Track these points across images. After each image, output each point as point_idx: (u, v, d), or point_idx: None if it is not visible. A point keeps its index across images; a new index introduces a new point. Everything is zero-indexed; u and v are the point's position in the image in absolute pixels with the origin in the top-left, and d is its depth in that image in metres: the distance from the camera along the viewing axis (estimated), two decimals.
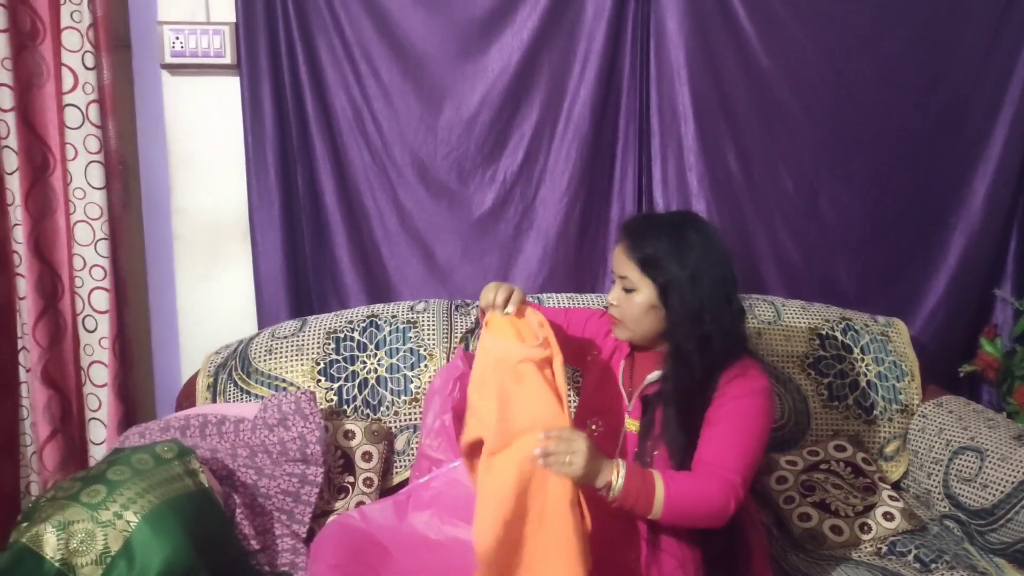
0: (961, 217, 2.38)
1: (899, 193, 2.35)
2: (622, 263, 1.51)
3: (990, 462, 1.83)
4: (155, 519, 1.46)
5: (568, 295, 2.18)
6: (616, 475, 1.32)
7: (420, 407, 2.00)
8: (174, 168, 2.25)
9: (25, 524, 1.45)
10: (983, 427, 1.93)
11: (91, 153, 2.08)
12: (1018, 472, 1.76)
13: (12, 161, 2.04)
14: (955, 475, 1.91)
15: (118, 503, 1.47)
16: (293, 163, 2.23)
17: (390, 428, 2.00)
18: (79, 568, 1.39)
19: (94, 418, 2.16)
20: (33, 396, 2.10)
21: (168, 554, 1.42)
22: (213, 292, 2.30)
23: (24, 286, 2.08)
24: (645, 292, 1.48)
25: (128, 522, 1.45)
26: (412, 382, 2.02)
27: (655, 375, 1.54)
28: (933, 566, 1.73)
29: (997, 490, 1.78)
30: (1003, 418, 2.01)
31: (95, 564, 1.40)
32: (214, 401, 1.99)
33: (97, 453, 2.16)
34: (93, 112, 2.07)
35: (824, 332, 2.13)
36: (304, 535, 1.76)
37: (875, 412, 2.08)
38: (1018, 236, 2.44)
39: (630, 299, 1.50)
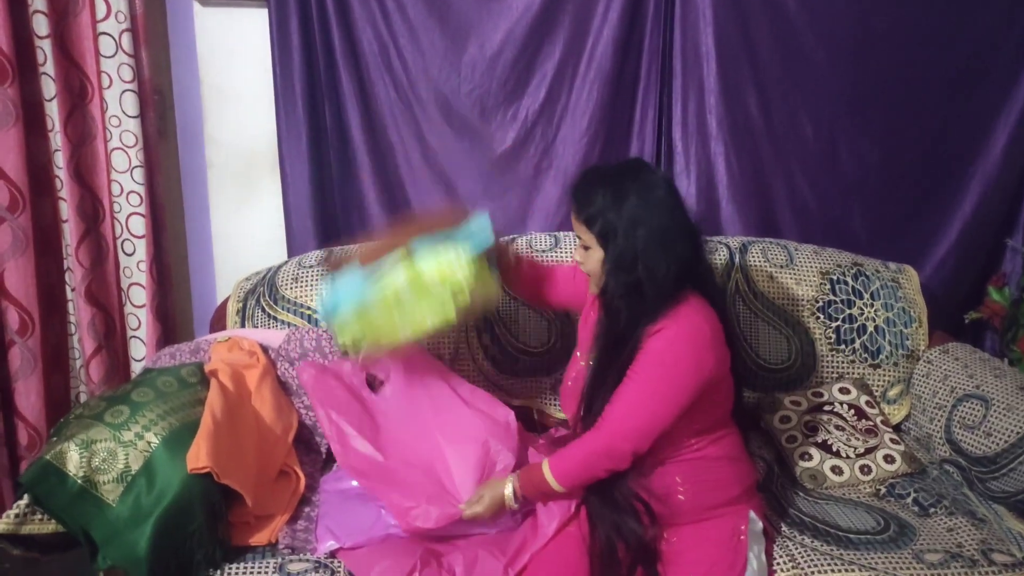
0: (979, 166, 2.15)
1: (918, 141, 2.12)
2: (575, 224, 1.41)
3: (995, 411, 1.67)
4: (174, 441, 1.36)
5: None
6: (509, 496, 1.39)
7: (436, 337, 1.87)
8: (207, 98, 2.09)
9: (55, 438, 1.37)
10: (989, 376, 1.76)
11: (125, 82, 1.92)
12: (1023, 423, 1.60)
13: (51, 88, 1.89)
14: (958, 421, 1.75)
15: (140, 424, 1.37)
16: (321, 97, 2.05)
17: None
18: (100, 485, 1.31)
19: (134, 336, 2.07)
20: (78, 313, 2.01)
21: (186, 476, 1.32)
22: (246, 220, 2.17)
23: (66, 209, 1.96)
24: (596, 248, 1.37)
25: (149, 443, 1.35)
26: None
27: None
28: (932, 510, 1.59)
29: (1001, 439, 1.62)
30: (1009, 367, 1.84)
31: (116, 482, 1.31)
32: (243, 326, 1.88)
33: (138, 368, 2.08)
34: (126, 41, 1.90)
35: (835, 277, 1.94)
36: (320, 464, 1.66)
37: (881, 356, 1.91)
38: None
39: (589, 256, 1.39)
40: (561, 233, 2.00)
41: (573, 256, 1.46)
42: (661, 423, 1.31)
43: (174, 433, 1.38)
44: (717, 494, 1.41)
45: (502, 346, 1.88)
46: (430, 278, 1.37)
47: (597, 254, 1.37)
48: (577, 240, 1.42)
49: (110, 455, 1.32)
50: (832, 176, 2.12)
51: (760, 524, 1.42)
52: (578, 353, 1.57)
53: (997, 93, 2.10)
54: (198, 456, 1.33)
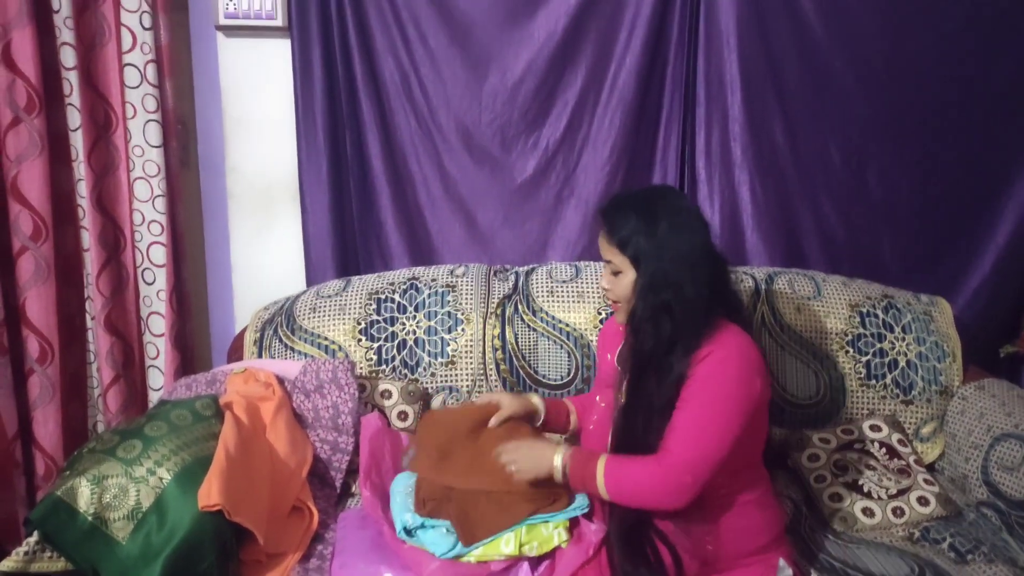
0: (1012, 196, 2.08)
1: (951, 170, 2.06)
2: (604, 248, 1.37)
3: None
4: (186, 477, 1.34)
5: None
6: (559, 468, 1.33)
7: (455, 368, 1.84)
8: (228, 128, 2.10)
9: (67, 473, 1.35)
10: None
11: (149, 112, 1.93)
12: None
13: (76, 118, 1.91)
14: (996, 462, 1.67)
15: (152, 459, 1.35)
16: (342, 126, 2.05)
17: (426, 388, 1.84)
18: (111, 522, 1.28)
19: (152, 365, 2.07)
20: (97, 342, 2.01)
21: (197, 513, 1.30)
22: (265, 249, 2.16)
23: (88, 238, 1.97)
24: (629, 271, 1.34)
25: (161, 479, 1.33)
26: (449, 344, 1.85)
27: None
28: (969, 556, 1.51)
29: None
30: None
31: (127, 519, 1.28)
32: (260, 356, 1.86)
33: (155, 398, 2.07)
34: (151, 72, 1.92)
35: (865, 309, 1.88)
36: (335, 500, 1.63)
37: (913, 392, 1.85)
38: None
39: (619, 281, 1.36)
40: (582, 263, 1.97)
41: (600, 284, 1.43)
42: (721, 451, 1.26)
43: (186, 469, 1.35)
44: (747, 542, 1.34)
45: (521, 379, 1.84)
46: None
47: (628, 277, 1.33)
48: (605, 266, 1.38)
49: (121, 491, 1.30)
50: (861, 204, 2.07)
51: (789, 571, 1.36)
52: (597, 397, 1.53)
53: None
54: (210, 494, 1.30)
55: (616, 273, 1.36)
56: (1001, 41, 1.99)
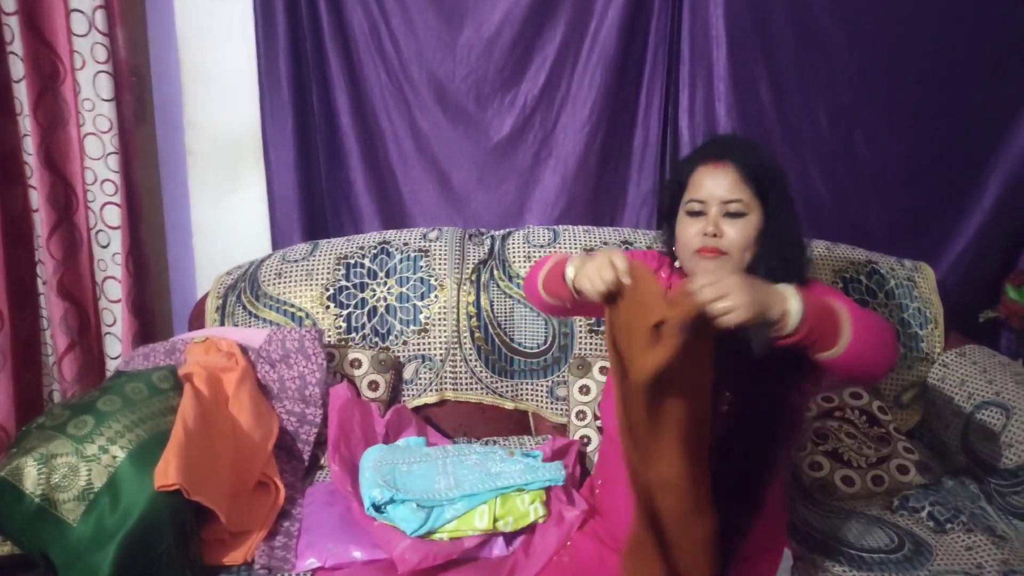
0: (1001, 158, 2.03)
1: (941, 134, 2.00)
2: (729, 187, 1.21)
3: (1017, 420, 1.57)
4: (141, 455, 1.26)
5: (585, 228, 1.89)
6: (795, 307, 0.99)
7: (428, 337, 1.77)
8: (187, 81, 1.97)
9: (14, 451, 1.27)
10: (1010, 382, 1.66)
11: (99, 63, 1.80)
12: None
13: (19, 68, 1.77)
14: (976, 430, 1.65)
15: (105, 436, 1.27)
16: (307, 79, 1.93)
17: (398, 357, 1.78)
18: (60, 504, 1.21)
19: (109, 332, 1.96)
20: (50, 308, 1.90)
21: (153, 493, 1.23)
22: (228, 210, 2.05)
23: (36, 198, 1.84)
24: (756, 215, 1.21)
25: (114, 457, 1.25)
26: (421, 312, 1.78)
27: None
28: (948, 526, 1.50)
29: (1023, 451, 1.53)
30: None
31: (77, 500, 1.21)
32: (222, 323, 1.78)
33: (113, 366, 1.97)
34: (100, 18, 1.78)
35: (848, 275, 1.84)
36: (303, 473, 1.56)
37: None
38: None
39: (739, 224, 1.20)
40: (560, 227, 1.90)
41: (707, 230, 1.20)
42: None
43: (142, 446, 1.28)
44: (772, 524, 1.26)
45: (496, 347, 1.78)
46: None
47: (753, 221, 1.20)
48: (717, 208, 1.20)
49: (71, 471, 1.22)
50: (848, 168, 2.01)
51: (791, 561, 1.31)
52: None
53: (1022, 87, 1.99)
54: (167, 472, 1.23)
55: (737, 215, 1.20)
56: (991, 7, 1.92)
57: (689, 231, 1.24)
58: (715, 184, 1.22)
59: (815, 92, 1.95)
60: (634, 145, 2.02)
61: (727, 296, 0.94)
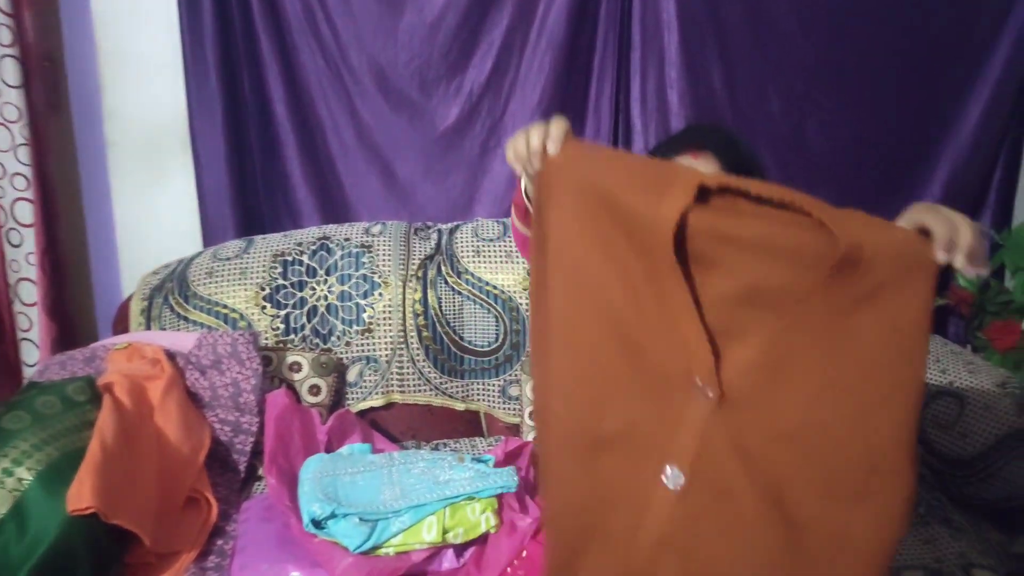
0: (949, 146, 2.03)
1: (890, 120, 1.99)
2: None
3: (971, 410, 1.57)
4: (52, 476, 1.15)
5: None
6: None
7: (373, 337, 1.69)
8: (105, 67, 1.83)
9: None
10: (963, 371, 1.66)
11: (4, 47, 1.66)
12: (1002, 424, 1.50)
13: None
14: (930, 419, 1.64)
15: (10, 457, 1.16)
16: (238, 65, 1.82)
17: (340, 359, 1.68)
18: None
19: (25, 338, 1.82)
20: None
21: (66, 519, 1.12)
22: (155, 205, 1.92)
23: None
24: None
25: (20, 480, 1.14)
26: (365, 311, 1.69)
27: None
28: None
29: (978, 441, 1.52)
30: (983, 362, 1.75)
31: None
32: (148, 327, 1.66)
33: (31, 374, 1.83)
34: (3, 0, 1.64)
35: None
36: (239, 485, 1.47)
37: None
38: (1003, 168, 2.12)
39: None
40: (510, 220, 1.82)
41: None
42: None
43: (53, 466, 1.17)
44: None
45: (445, 346, 1.70)
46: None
47: None
48: None
49: None
50: (800, 155, 1.98)
51: None
52: None
53: (970, 70, 1.99)
54: (80, 495, 1.12)
55: None
56: None
57: None
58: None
59: (768, 79, 1.92)
60: (585, 134, 1.96)
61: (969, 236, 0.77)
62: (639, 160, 0.86)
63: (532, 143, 0.85)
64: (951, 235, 0.77)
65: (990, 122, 2.01)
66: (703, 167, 1.08)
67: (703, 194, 0.76)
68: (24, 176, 1.72)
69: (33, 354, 1.83)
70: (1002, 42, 1.96)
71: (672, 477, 0.81)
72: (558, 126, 0.85)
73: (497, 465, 1.41)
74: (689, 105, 1.91)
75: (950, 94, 1.99)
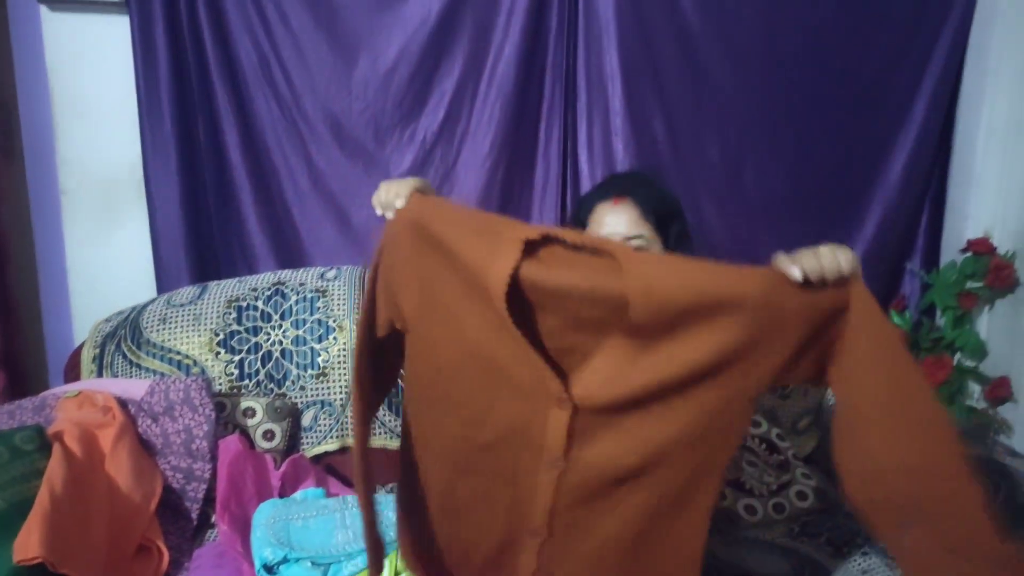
0: (878, 190, 2.16)
1: (822, 165, 2.12)
2: (630, 224, 1.25)
3: None
4: None
5: None
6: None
7: (328, 381, 1.72)
8: (59, 115, 1.86)
9: None
10: None
11: None
12: None
13: None
14: None
15: None
16: (193, 113, 1.86)
17: (295, 404, 1.71)
18: None
19: None
20: None
21: (13, 568, 1.12)
22: (107, 252, 1.93)
23: None
24: (656, 248, 1.26)
25: None
26: (319, 355, 1.72)
27: None
28: (845, 549, 1.56)
29: None
30: None
31: None
32: (100, 375, 1.66)
33: None
34: None
35: None
36: (192, 533, 1.47)
37: (789, 387, 1.88)
38: (930, 211, 2.25)
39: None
40: None
41: None
42: None
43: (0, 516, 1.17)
44: None
45: (399, 389, 1.74)
46: None
47: (655, 250, 1.26)
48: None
49: None
50: (739, 200, 2.09)
51: None
52: None
53: (894, 119, 2.13)
54: (28, 545, 1.13)
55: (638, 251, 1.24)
56: (865, 41, 2.06)
57: None
58: (616, 221, 1.26)
59: (706, 128, 2.03)
60: (536, 180, 2.04)
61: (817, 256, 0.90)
62: (476, 215, 0.98)
63: (388, 195, 1.01)
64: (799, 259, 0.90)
65: (915, 169, 2.15)
66: (623, 213, 1.23)
67: (532, 244, 0.90)
68: None
69: None
70: (921, 94, 2.11)
71: (553, 463, 0.96)
72: (407, 184, 1.01)
73: None
74: (633, 151, 2.00)
75: (876, 143, 2.12)
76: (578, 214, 1.35)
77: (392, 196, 1.01)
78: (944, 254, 2.24)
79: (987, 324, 2.18)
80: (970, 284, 2.12)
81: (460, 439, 1.00)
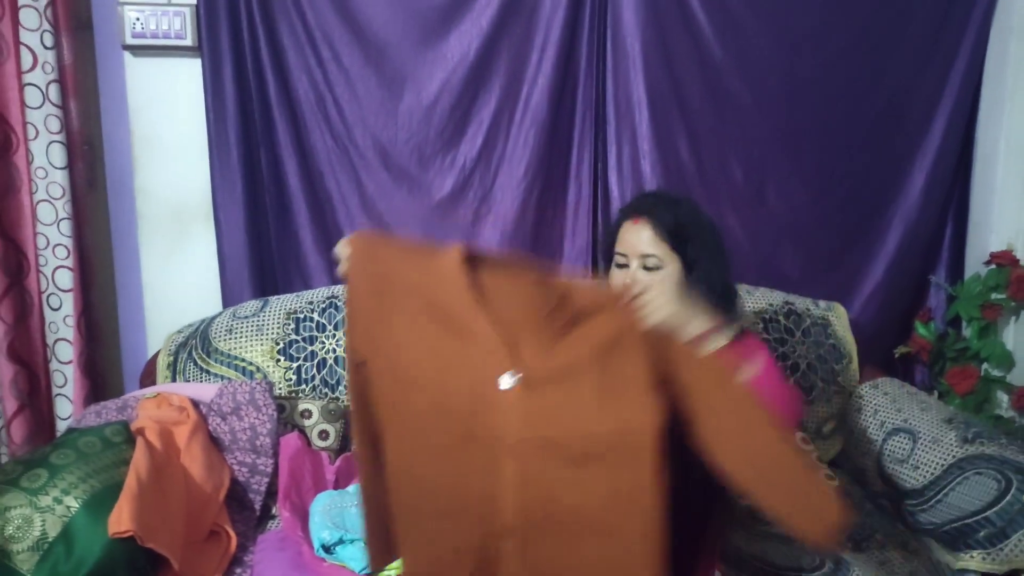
0: (900, 206, 2.26)
1: (843, 182, 2.22)
2: (645, 243, 1.32)
3: (922, 444, 1.73)
4: (95, 504, 1.33)
5: None
6: (718, 336, 1.20)
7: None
8: (138, 149, 2.08)
9: None
10: (916, 409, 1.83)
11: (52, 133, 1.90)
12: (948, 455, 1.66)
13: None
14: (888, 455, 1.81)
15: (59, 487, 1.33)
16: (256, 145, 2.06)
17: (347, 407, 1.86)
18: (15, 554, 1.26)
19: (60, 394, 2.01)
20: (0, 372, 1.95)
21: (108, 541, 1.29)
22: (178, 271, 2.13)
23: None
24: (672, 268, 1.32)
25: (68, 507, 1.31)
26: None
27: None
28: (864, 544, 1.64)
29: (928, 471, 1.68)
30: (935, 400, 1.92)
31: (32, 550, 1.27)
32: (174, 380, 1.85)
33: (63, 427, 2.01)
34: (53, 92, 1.89)
35: (768, 316, 2.01)
36: (254, 522, 1.63)
37: (814, 393, 1.97)
38: (953, 224, 2.33)
39: (656, 278, 1.32)
40: None
41: (627, 281, 1.33)
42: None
43: (96, 496, 1.34)
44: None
45: None
46: None
47: (669, 274, 1.31)
48: (635, 261, 1.33)
49: (25, 522, 1.28)
50: (762, 217, 2.20)
51: None
52: None
53: (914, 137, 2.23)
54: (120, 519, 1.29)
55: (652, 268, 1.32)
56: (883, 61, 2.17)
57: (615, 280, 1.38)
58: (635, 239, 1.34)
59: (729, 148, 2.16)
60: (568, 201, 2.18)
61: (651, 293, 1.07)
62: (415, 244, 1.15)
63: (338, 250, 1.12)
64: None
65: (935, 185, 2.24)
66: (640, 232, 1.32)
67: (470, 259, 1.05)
68: (65, 247, 1.94)
69: (66, 408, 2.01)
70: (940, 113, 2.21)
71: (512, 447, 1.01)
72: (347, 241, 1.11)
73: None
74: (660, 173, 2.14)
75: (896, 161, 2.22)
76: (610, 228, 1.45)
77: (340, 248, 1.12)
78: (968, 267, 2.31)
79: (1013, 334, 2.24)
80: (994, 296, 2.19)
81: (425, 432, 1.06)
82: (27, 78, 1.88)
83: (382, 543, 1.18)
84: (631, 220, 1.37)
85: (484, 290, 1.03)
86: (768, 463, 1.01)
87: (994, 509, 1.51)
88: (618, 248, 1.37)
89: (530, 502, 1.00)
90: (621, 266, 1.37)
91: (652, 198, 1.42)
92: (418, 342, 1.04)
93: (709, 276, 1.33)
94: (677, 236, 1.33)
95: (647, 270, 1.33)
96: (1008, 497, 1.49)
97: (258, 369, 1.84)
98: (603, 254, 1.47)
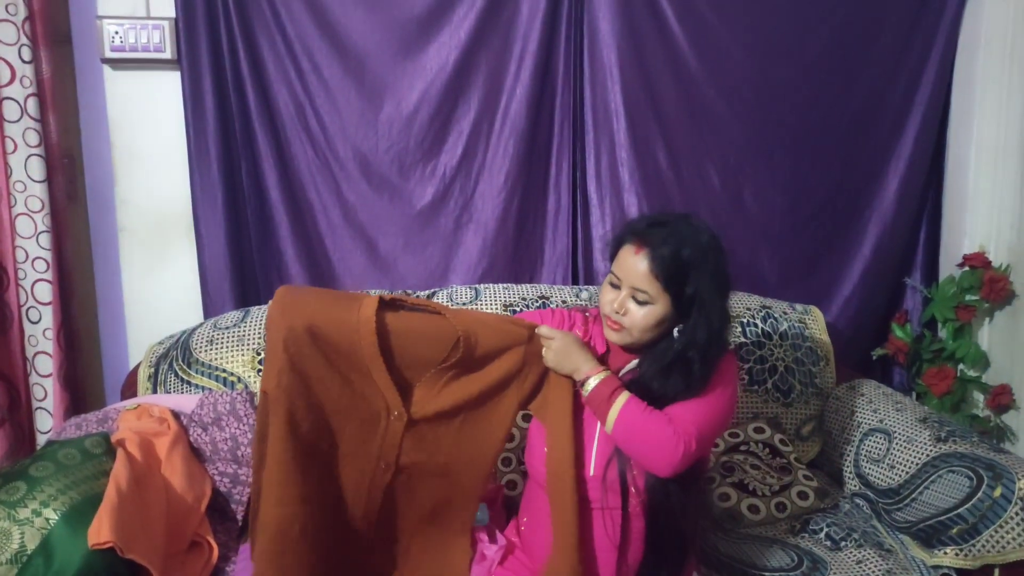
0: (875, 210, 2.31)
1: (818, 188, 2.27)
2: (639, 276, 1.28)
3: (897, 443, 1.76)
4: (75, 516, 1.33)
5: (505, 285, 2.06)
6: (594, 378, 1.32)
7: None
8: (118, 161, 2.08)
9: None
10: (891, 410, 1.87)
11: (31, 147, 1.91)
12: (922, 454, 1.69)
13: None
14: (865, 455, 1.84)
15: (37, 500, 1.33)
16: (236, 157, 2.08)
17: None
18: None
19: (40, 407, 2.01)
20: None
21: (88, 552, 1.29)
22: (159, 283, 2.14)
23: None
24: (661, 306, 1.29)
25: (47, 519, 1.32)
26: None
27: (632, 364, 1.38)
28: (843, 543, 1.66)
29: (903, 471, 1.71)
30: (911, 401, 1.95)
31: (10, 563, 1.26)
32: (155, 391, 1.85)
33: (44, 441, 2.00)
34: (32, 106, 1.90)
35: (745, 320, 2.04)
36: (236, 533, 1.63)
37: (792, 395, 2.00)
38: (927, 228, 2.38)
39: (643, 311, 1.29)
40: (482, 286, 2.05)
41: (607, 300, 1.33)
42: (714, 432, 1.34)
43: (75, 508, 1.34)
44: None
45: None
46: None
47: (657, 310, 1.28)
48: (626, 289, 1.30)
49: (4, 535, 1.28)
50: (739, 223, 2.24)
51: None
52: None
53: (887, 143, 2.27)
54: (100, 530, 1.30)
55: (642, 303, 1.29)
56: (855, 69, 2.22)
57: (605, 296, 1.35)
58: (631, 269, 1.29)
59: (705, 156, 2.19)
60: (548, 208, 2.21)
61: (550, 344, 1.34)
62: (332, 293, 1.39)
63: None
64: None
65: (908, 190, 2.28)
66: (637, 264, 1.28)
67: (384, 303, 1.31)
68: (44, 260, 1.94)
69: (47, 422, 2.01)
70: (911, 121, 2.25)
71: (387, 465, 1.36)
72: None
73: None
74: (639, 181, 2.17)
75: (869, 167, 2.27)
76: (617, 236, 1.38)
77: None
78: (943, 269, 2.36)
79: (988, 335, 2.28)
80: (968, 297, 2.23)
81: (323, 453, 1.33)
82: (5, 92, 1.88)
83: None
84: (634, 245, 1.30)
85: (391, 338, 1.29)
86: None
87: (966, 506, 1.54)
88: (615, 268, 1.34)
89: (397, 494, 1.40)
90: (614, 286, 1.33)
91: (662, 231, 1.30)
92: (330, 381, 1.30)
93: (694, 330, 1.29)
94: (673, 279, 1.27)
95: (636, 302, 1.30)
96: (979, 494, 1.52)
97: (239, 379, 1.85)
98: (611, 254, 1.40)
